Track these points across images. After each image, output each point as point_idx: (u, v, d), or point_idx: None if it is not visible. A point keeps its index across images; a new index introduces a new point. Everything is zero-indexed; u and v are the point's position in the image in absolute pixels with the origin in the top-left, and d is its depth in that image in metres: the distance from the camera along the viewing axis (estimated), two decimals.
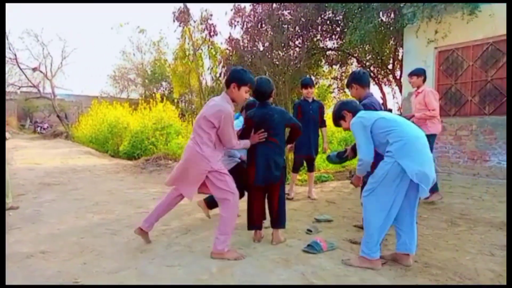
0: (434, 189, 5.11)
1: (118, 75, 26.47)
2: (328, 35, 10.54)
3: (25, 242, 3.71)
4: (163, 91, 23.81)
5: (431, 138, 5.16)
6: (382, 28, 8.41)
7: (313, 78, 11.76)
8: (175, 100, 15.07)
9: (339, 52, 11.02)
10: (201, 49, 9.28)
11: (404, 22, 7.71)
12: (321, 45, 10.69)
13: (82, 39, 46.10)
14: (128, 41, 34.11)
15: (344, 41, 8.88)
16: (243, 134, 3.65)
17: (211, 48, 9.31)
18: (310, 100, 5.58)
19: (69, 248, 3.52)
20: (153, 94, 15.57)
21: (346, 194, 6.06)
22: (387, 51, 10.24)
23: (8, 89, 22.43)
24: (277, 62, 10.09)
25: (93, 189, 6.42)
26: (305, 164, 6.01)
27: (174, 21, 8.56)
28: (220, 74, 10.12)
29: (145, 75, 24.33)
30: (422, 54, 7.68)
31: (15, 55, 21.10)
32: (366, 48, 9.72)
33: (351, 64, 11.84)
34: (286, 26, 9.70)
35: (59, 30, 52.99)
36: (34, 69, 22.16)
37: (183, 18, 8.48)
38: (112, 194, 6.07)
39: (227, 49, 10.17)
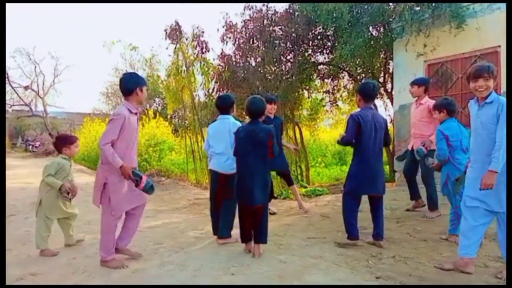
0: (433, 207, 5.12)
1: (110, 92, 26.50)
2: (319, 50, 10.64)
3: (15, 264, 3.64)
4: (156, 107, 23.83)
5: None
6: (372, 42, 8.51)
7: (305, 92, 11.91)
8: (169, 116, 15.08)
9: (331, 67, 11.12)
10: (194, 65, 9.32)
11: (393, 36, 7.83)
12: (312, 59, 10.78)
13: (74, 57, 46.20)
14: (120, 58, 34.20)
15: (335, 55, 8.97)
16: (234, 149, 3.80)
17: (204, 65, 9.36)
18: (272, 116, 5.64)
19: (60, 270, 3.46)
20: (146, 111, 15.55)
21: (341, 207, 6.02)
22: (378, 65, 10.33)
23: None
24: (269, 77, 10.16)
25: (84, 208, 6.28)
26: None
27: (166, 38, 8.61)
28: (213, 89, 10.17)
29: None
30: (412, 67, 7.77)
31: (7, 73, 21.07)
32: (357, 62, 9.81)
33: (343, 77, 11.93)
34: (277, 41, 9.81)
35: (51, 48, 53.16)
36: (26, 88, 22.16)
37: (174, 35, 8.53)
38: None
39: (219, 65, 10.24)
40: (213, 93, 10.26)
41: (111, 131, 3.30)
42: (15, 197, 7.13)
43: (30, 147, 23.98)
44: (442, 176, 4.14)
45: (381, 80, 10.90)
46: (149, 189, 3.45)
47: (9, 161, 15.87)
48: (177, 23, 8.57)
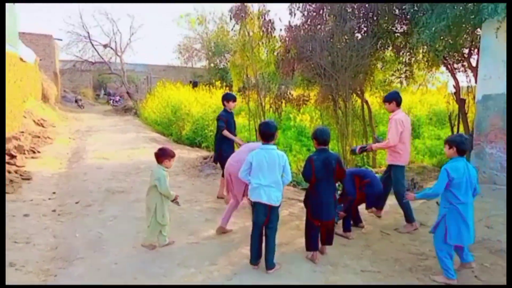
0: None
1: (184, 44, 27.16)
2: (397, 20, 9.73)
3: (85, 278, 3.94)
4: (225, 63, 24.01)
5: (393, 169, 5.28)
6: (457, 21, 7.51)
7: (379, 63, 11.10)
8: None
9: (408, 38, 10.12)
10: (259, 44, 9.08)
11: (482, 17, 6.84)
12: (387, 27, 9.88)
13: (148, 15, 47.06)
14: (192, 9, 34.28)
15: (411, 41, 8.14)
16: (304, 173, 4.43)
17: (270, 42, 9.07)
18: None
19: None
20: (213, 81, 15.75)
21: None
22: (462, 41, 9.20)
23: (83, 64, 24.15)
24: (339, 46, 9.55)
25: None
26: None
27: (230, 19, 8.40)
28: (278, 67, 9.86)
29: (209, 47, 24.74)
30: (502, 53, 6.78)
31: (88, 33, 22.51)
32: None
33: (422, 48, 10.82)
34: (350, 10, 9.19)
35: (127, 8, 54.51)
36: (105, 46, 23.47)
37: (240, 16, 8.26)
38: (169, 211, 5.21)
39: (286, 37, 9.78)
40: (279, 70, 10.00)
41: None
42: (92, 180, 7.62)
43: (111, 101, 25.91)
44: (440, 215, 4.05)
45: (465, 51, 9.76)
46: None
47: (92, 120, 17.26)
48: (242, 4, 8.28)
